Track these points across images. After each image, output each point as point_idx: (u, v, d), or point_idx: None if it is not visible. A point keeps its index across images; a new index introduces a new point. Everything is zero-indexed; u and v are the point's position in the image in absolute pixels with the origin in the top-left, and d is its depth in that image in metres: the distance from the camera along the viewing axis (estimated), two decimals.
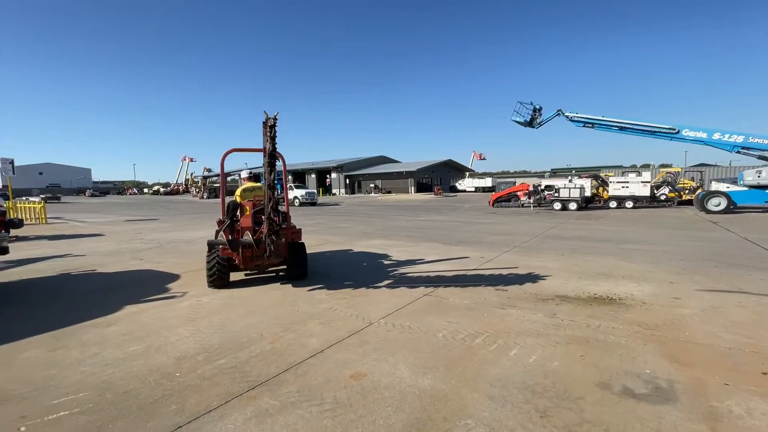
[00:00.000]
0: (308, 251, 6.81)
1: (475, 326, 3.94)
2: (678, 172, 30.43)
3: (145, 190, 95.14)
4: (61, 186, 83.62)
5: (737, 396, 2.59)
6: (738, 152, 17.65)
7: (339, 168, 54.50)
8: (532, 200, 23.45)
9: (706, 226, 12.14)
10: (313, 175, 57.31)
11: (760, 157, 17.49)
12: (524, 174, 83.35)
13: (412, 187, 49.14)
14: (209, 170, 73.49)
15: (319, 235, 11.69)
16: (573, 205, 20.85)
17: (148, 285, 5.98)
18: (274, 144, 4.68)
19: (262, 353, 3.41)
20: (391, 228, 13.46)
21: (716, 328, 3.74)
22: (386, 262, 7.32)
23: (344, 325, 4.05)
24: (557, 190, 21.92)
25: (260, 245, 5.15)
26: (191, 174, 78.39)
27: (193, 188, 66.24)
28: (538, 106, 21.76)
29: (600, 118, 20.20)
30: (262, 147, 4.84)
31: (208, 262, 5.53)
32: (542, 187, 23.79)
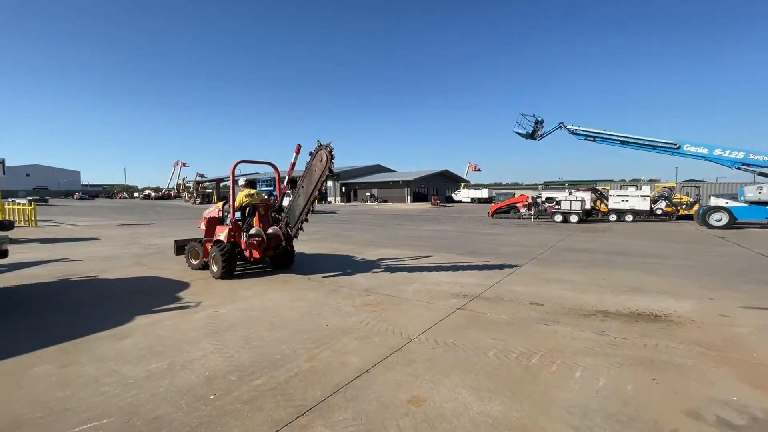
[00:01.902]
0: (316, 257, 8.52)
1: (525, 344, 3.66)
2: (673, 187, 30.84)
3: (136, 195, 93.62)
4: (48, 188, 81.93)
5: None
6: (738, 168, 17.81)
7: (335, 176, 54.18)
8: (532, 212, 23.41)
9: (714, 241, 12.10)
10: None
11: (761, 174, 17.67)
12: (516, 186, 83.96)
13: (409, 197, 49.03)
14: (202, 176, 72.68)
15: (324, 243, 11.36)
16: (574, 218, 20.84)
17: (157, 293, 5.60)
18: (331, 170, 6.44)
19: (300, 372, 3.08)
20: (399, 237, 13.18)
21: None
22: (405, 273, 7.03)
23: (383, 341, 3.74)
24: (558, 203, 21.93)
25: (272, 238, 6.83)
26: (183, 179, 77.60)
27: (185, 193, 65.33)
28: (540, 119, 21.80)
29: (602, 131, 20.28)
30: (265, 160, 7.73)
31: (222, 253, 6.33)
32: (543, 199, 23.81)
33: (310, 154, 6.73)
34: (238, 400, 2.66)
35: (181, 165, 77.04)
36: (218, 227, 7.06)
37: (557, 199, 22.29)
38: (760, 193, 17.03)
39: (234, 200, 6.92)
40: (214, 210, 7.55)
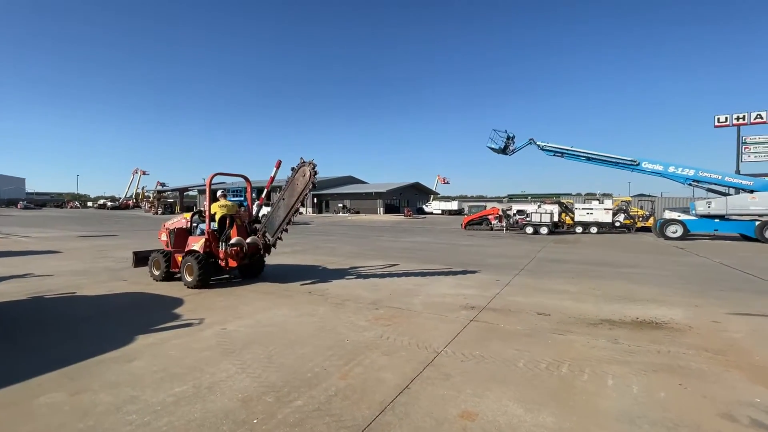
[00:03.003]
0: (307, 270, 8.74)
1: (549, 354, 3.75)
2: (629, 201, 33.09)
3: (89, 204, 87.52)
4: None
5: None
6: (690, 185, 19.44)
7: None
8: (503, 224, 24.23)
9: (676, 252, 13.02)
10: (263, 195, 55.66)
11: (709, 190, 19.36)
12: (481, 198, 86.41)
13: (381, 208, 49.20)
14: (163, 185, 69.28)
15: (309, 255, 11.14)
16: (544, 230, 21.73)
17: (150, 310, 5.24)
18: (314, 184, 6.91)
19: (338, 391, 2.98)
20: (383, 249, 13.16)
21: None
22: (404, 285, 7.01)
23: (411, 356, 3.69)
24: (529, 215, 22.85)
25: (250, 247, 6.95)
26: (143, 188, 73.66)
27: (144, 203, 61.91)
28: (511, 135, 22.73)
29: (569, 148, 21.45)
30: (238, 173, 8.01)
31: (198, 262, 6.39)
32: (514, 212, 24.74)
33: (292, 169, 7.22)
34: (285, 424, 2.53)
35: (140, 173, 72.95)
36: (190, 238, 7.12)
37: (528, 212, 23.25)
38: (709, 207, 18.57)
39: (209, 212, 7.01)
40: (179, 221, 7.60)
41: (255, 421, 2.55)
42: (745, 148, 40.10)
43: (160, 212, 49.68)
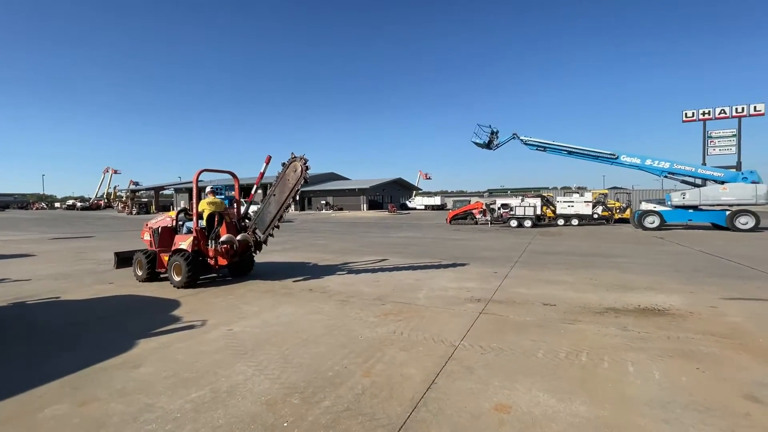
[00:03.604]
0: (303, 267, 8.56)
1: (565, 343, 3.77)
2: (606, 193, 34.17)
3: (57, 205, 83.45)
4: None
5: None
6: (666, 177, 20.20)
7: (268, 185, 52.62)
8: (488, 218, 24.57)
9: (657, 241, 13.49)
10: (259, 191, 54.62)
11: (683, 182, 20.16)
12: (462, 193, 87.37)
13: (365, 205, 49.00)
14: (137, 184, 66.76)
15: (303, 253, 10.94)
16: (528, 223, 22.12)
17: (146, 313, 4.99)
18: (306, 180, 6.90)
19: (365, 389, 2.89)
20: (375, 245, 13.07)
21: None
22: (405, 280, 6.95)
23: (429, 350, 3.64)
24: (513, 209, 23.22)
25: (241, 245, 6.80)
26: (115, 187, 70.80)
27: (117, 203, 59.51)
28: (495, 130, 23.01)
29: (551, 142, 21.86)
30: (226, 169, 7.78)
31: (186, 261, 6.17)
32: (499, 206, 25.10)
33: (283, 164, 7.15)
34: (318, 425, 2.42)
35: (111, 172, 69.95)
36: (177, 237, 6.92)
37: (512, 206, 23.63)
38: (683, 198, 19.34)
39: (196, 210, 6.79)
40: (164, 219, 7.37)
41: (285, 425, 2.44)
42: (710, 142, 41.95)
43: (134, 212, 47.90)
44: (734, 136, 40.38)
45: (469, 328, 4.28)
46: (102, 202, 67.85)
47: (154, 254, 6.82)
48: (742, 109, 39.93)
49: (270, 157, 7.74)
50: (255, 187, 7.82)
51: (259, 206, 7.62)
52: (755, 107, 39.24)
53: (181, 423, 2.46)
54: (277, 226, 7.15)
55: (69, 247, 12.77)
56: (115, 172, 70.44)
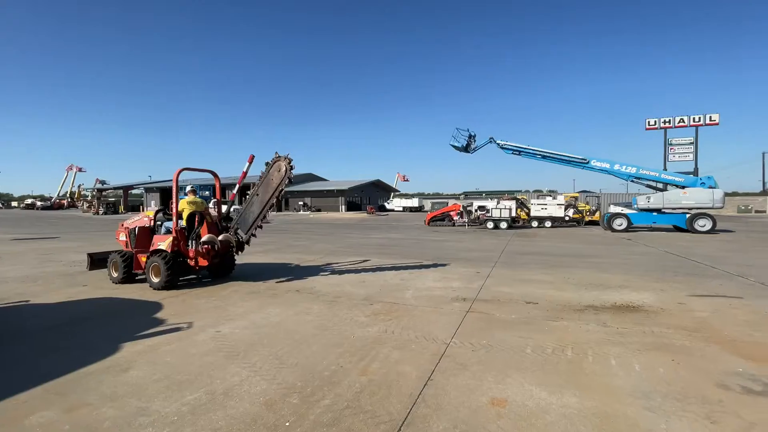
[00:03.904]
0: (286, 268, 8.44)
1: (550, 340, 3.93)
2: (577, 197, 35.56)
3: (14, 204, 78.43)
4: None
5: None
6: (632, 181, 21.23)
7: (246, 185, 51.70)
8: (465, 219, 25.04)
9: (625, 242, 14.16)
10: (235, 191, 53.36)
11: (648, 186, 21.24)
12: (438, 195, 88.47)
13: (343, 206, 48.80)
14: (103, 182, 63.77)
15: (284, 254, 10.81)
16: (504, 224, 22.68)
17: (127, 316, 4.83)
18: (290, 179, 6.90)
19: (363, 387, 2.92)
20: (356, 246, 13.07)
21: (742, 328, 4.28)
22: (390, 280, 7.01)
23: (422, 349, 3.71)
24: (489, 211, 23.79)
25: (222, 244, 6.67)
26: (79, 186, 67.39)
27: (82, 202, 56.61)
28: (473, 133, 23.51)
29: (526, 146, 22.54)
30: (207, 168, 7.62)
31: (165, 262, 6.00)
32: (476, 208, 25.65)
33: (267, 164, 7.09)
34: (320, 424, 2.44)
35: (76, 170, 66.50)
36: (156, 237, 6.73)
37: (488, 208, 24.20)
38: (648, 202, 20.39)
39: (176, 209, 6.57)
40: (141, 219, 7.16)
41: (287, 424, 2.44)
42: (671, 149, 44.60)
43: (101, 212, 45.76)
44: (692, 144, 43.24)
45: (458, 326, 4.39)
46: (65, 202, 64.43)
47: (131, 255, 6.58)
48: (699, 118, 42.67)
49: (253, 156, 7.66)
50: (237, 186, 7.68)
51: (238, 206, 7.53)
52: (710, 117, 41.95)
53: (179, 426, 2.42)
54: (260, 226, 7.07)
55: (33, 248, 12.09)
56: (80, 170, 67.10)
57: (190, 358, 3.48)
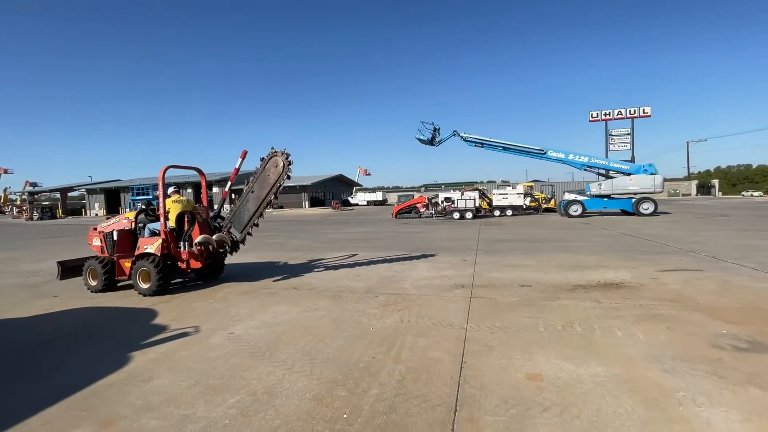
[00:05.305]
0: (271, 267, 8.19)
1: (557, 318, 4.21)
2: (533, 185, 37.62)
3: None
4: None
5: None
6: (585, 170, 22.76)
7: (221, 181, 49.48)
8: (432, 211, 25.63)
9: (585, 227, 15.22)
10: (189, 189, 50.58)
11: (599, 174, 22.88)
12: (398, 189, 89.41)
13: (306, 202, 47.94)
14: (34, 184, 57.79)
15: (261, 253, 10.56)
16: (469, 215, 23.47)
17: (120, 326, 4.53)
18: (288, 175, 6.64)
19: (403, 375, 2.99)
20: (333, 241, 12.98)
21: (712, 296, 4.83)
22: (384, 273, 7.08)
23: (443, 335, 3.83)
24: (455, 202, 24.50)
25: (217, 244, 6.46)
26: (6, 189, 60.62)
27: (10, 207, 51.01)
28: (437, 127, 24.01)
29: (488, 139, 23.41)
30: (192, 165, 7.28)
31: (156, 266, 5.70)
32: (442, 199, 26.30)
33: (262, 159, 6.87)
34: (378, 412, 2.48)
35: (1, 172, 59.70)
36: (141, 240, 6.34)
37: (454, 199, 24.91)
38: (600, 188, 22.00)
39: (164, 210, 6.24)
40: (119, 222, 6.74)
41: (345, 416, 2.46)
42: (611, 139, 48.41)
43: (35, 218, 41.55)
44: (629, 134, 47.16)
45: (468, 311, 4.57)
46: None
47: (112, 261, 6.12)
48: (635, 111, 46.45)
49: (246, 152, 7.20)
50: (229, 183, 7.30)
51: (229, 204, 7.22)
52: (644, 109, 45.92)
53: (235, 429, 2.36)
54: (256, 224, 6.82)
55: None
56: (5, 171, 60.22)
57: (214, 362, 3.35)
